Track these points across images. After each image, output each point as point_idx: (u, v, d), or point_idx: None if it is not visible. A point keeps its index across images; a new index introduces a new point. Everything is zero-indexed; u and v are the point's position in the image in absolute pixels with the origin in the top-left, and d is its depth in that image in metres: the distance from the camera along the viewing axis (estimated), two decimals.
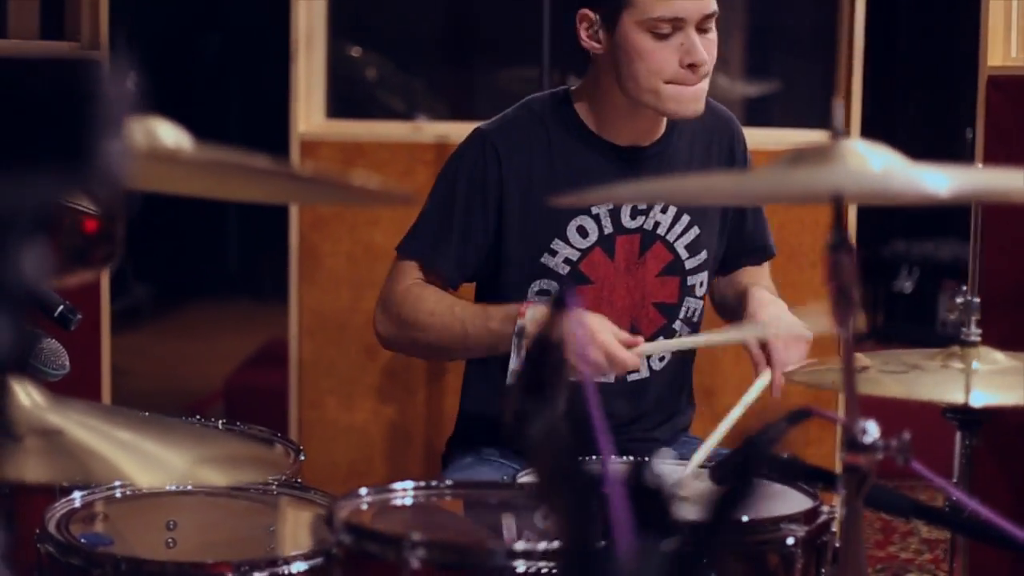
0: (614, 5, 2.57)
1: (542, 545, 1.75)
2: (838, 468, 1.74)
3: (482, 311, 2.60)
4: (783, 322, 2.60)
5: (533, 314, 2.51)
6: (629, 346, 2.48)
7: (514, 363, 2.52)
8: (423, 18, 7.45)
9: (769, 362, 2.56)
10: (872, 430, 1.65)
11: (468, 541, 1.92)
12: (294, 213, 4.08)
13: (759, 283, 2.80)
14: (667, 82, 2.56)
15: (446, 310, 2.62)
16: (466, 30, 7.49)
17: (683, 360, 2.82)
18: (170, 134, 1.29)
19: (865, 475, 1.67)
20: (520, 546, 1.75)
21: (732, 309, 2.83)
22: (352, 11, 5.95)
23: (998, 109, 3.56)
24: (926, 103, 8.53)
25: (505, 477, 2.49)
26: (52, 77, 0.78)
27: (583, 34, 2.63)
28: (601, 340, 2.44)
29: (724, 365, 4.00)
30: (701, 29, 2.57)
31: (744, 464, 2.01)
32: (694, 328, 2.78)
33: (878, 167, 1.48)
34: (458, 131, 4.03)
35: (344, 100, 4.87)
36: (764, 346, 2.57)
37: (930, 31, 8.55)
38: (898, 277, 7.92)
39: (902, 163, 1.50)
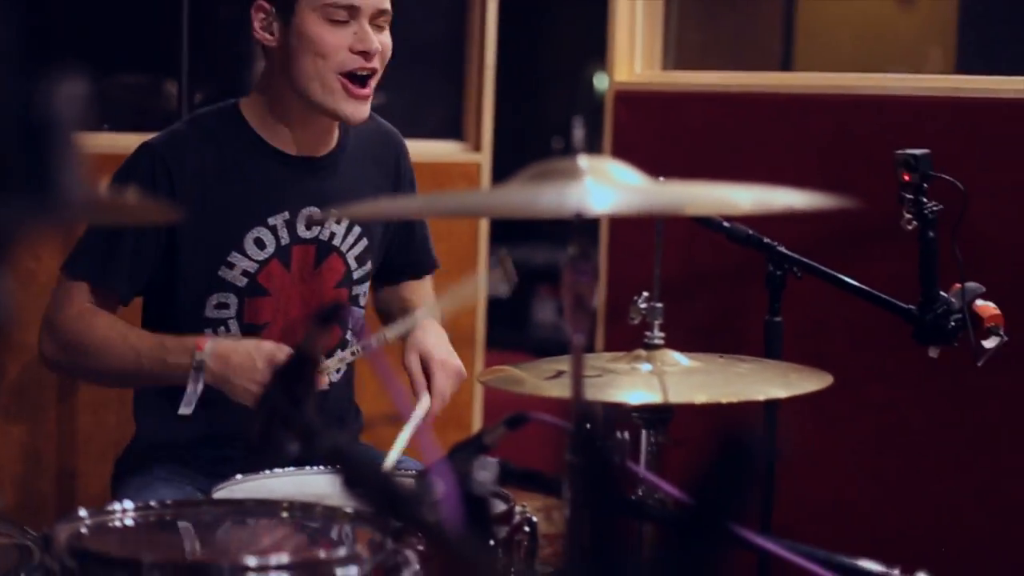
0: None
1: (272, 560, 1.76)
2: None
3: (158, 343, 2.55)
4: (443, 350, 2.70)
5: (212, 347, 2.49)
6: None
7: (189, 394, 2.49)
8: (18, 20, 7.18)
9: (429, 387, 2.65)
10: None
11: (201, 559, 1.90)
12: None
13: (424, 301, 2.90)
14: (339, 73, 2.60)
15: (119, 338, 2.57)
16: (69, 34, 7.26)
17: (348, 373, 2.86)
18: None
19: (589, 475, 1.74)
20: (252, 561, 1.75)
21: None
22: None
23: (624, 123, 3.75)
24: (517, 111, 8.81)
25: (198, 493, 2.46)
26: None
27: (257, 26, 2.65)
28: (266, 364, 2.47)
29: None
30: (375, 25, 2.63)
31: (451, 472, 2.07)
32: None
33: (622, 183, 1.56)
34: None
35: None
36: (426, 366, 2.66)
37: (518, 40, 8.83)
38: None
39: (642, 179, 1.59)
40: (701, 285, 3.66)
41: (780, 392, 2.10)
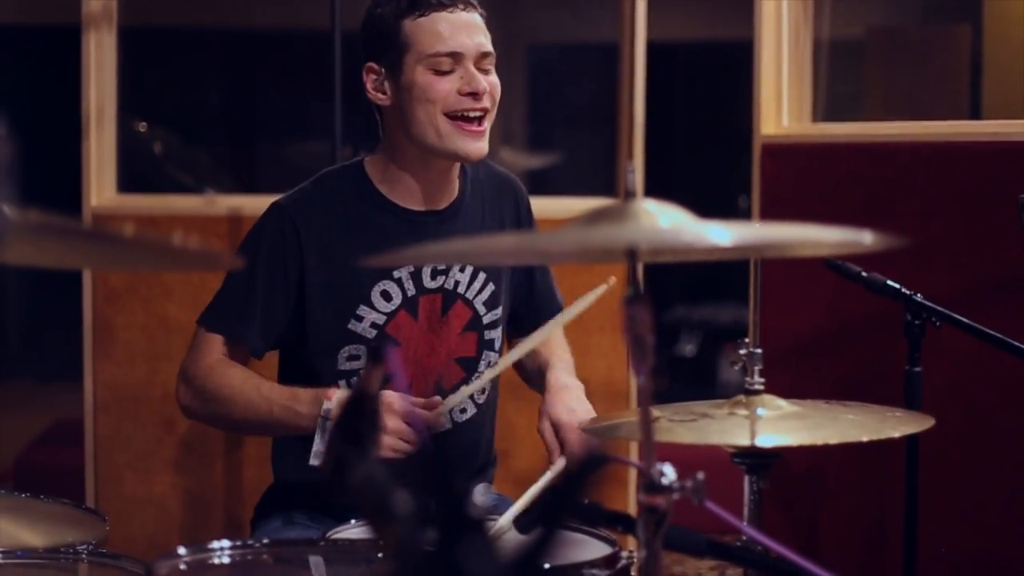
0: (397, 51, 2.69)
1: None
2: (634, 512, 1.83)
3: (289, 393, 2.64)
4: (576, 414, 2.69)
5: (339, 397, 2.57)
6: (430, 409, 2.57)
7: (318, 444, 2.56)
8: (208, 93, 7.49)
9: (563, 451, 2.66)
10: (669, 472, 1.75)
11: None
12: (87, 287, 4.07)
13: (555, 353, 2.94)
14: (447, 114, 2.67)
15: (252, 389, 2.67)
16: (251, 105, 7.53)
17: (484, 414, 2.90)
18: None
19: (663, 515, 1.75)
20: None
21: (534, 380, 2.95)
22: (138, 86, 5.95)
23: (772, 176, 3.74)
24: (701, 172, 8.82)
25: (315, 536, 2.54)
26: None
27: (369, 87, 2.75)
28: (397, 408, 2.52)
29: (519, 430, 4.09)
30: (481, 69, 2.70)
31: (548, 512, 2.11)
32: (493, 383, 2.88)
33: (668, 223, 1.60)
34: (251, 204, 4.08)
35: (132, 174, 4.88)
36: (558, 432, 2.67)
37: (704, 101, 8.85)
38: (679, 341, 8.15)
39: (689, 219, 1.62)
40: (846, 335, 3.63)
41: (870, 435, 2.08)
